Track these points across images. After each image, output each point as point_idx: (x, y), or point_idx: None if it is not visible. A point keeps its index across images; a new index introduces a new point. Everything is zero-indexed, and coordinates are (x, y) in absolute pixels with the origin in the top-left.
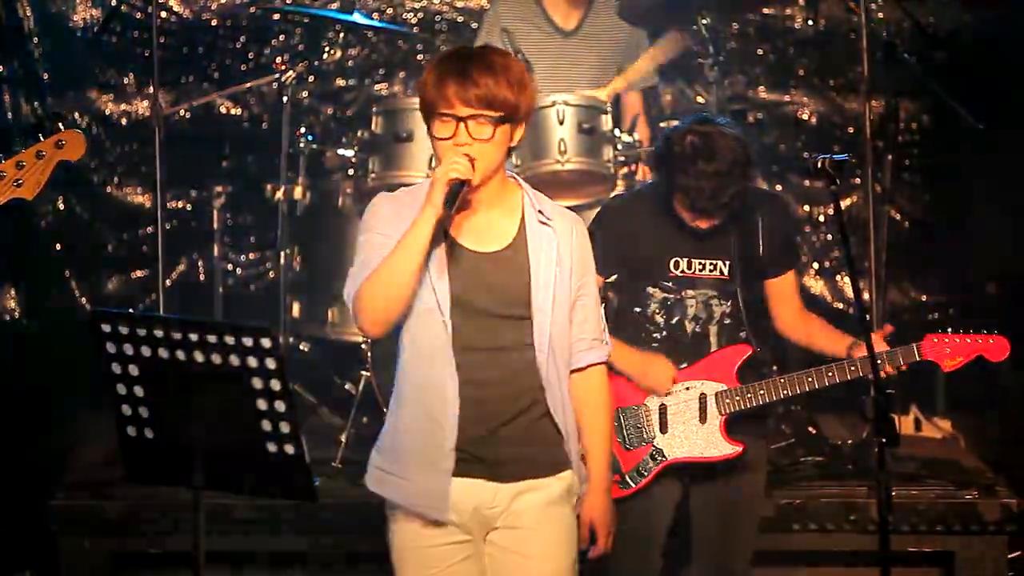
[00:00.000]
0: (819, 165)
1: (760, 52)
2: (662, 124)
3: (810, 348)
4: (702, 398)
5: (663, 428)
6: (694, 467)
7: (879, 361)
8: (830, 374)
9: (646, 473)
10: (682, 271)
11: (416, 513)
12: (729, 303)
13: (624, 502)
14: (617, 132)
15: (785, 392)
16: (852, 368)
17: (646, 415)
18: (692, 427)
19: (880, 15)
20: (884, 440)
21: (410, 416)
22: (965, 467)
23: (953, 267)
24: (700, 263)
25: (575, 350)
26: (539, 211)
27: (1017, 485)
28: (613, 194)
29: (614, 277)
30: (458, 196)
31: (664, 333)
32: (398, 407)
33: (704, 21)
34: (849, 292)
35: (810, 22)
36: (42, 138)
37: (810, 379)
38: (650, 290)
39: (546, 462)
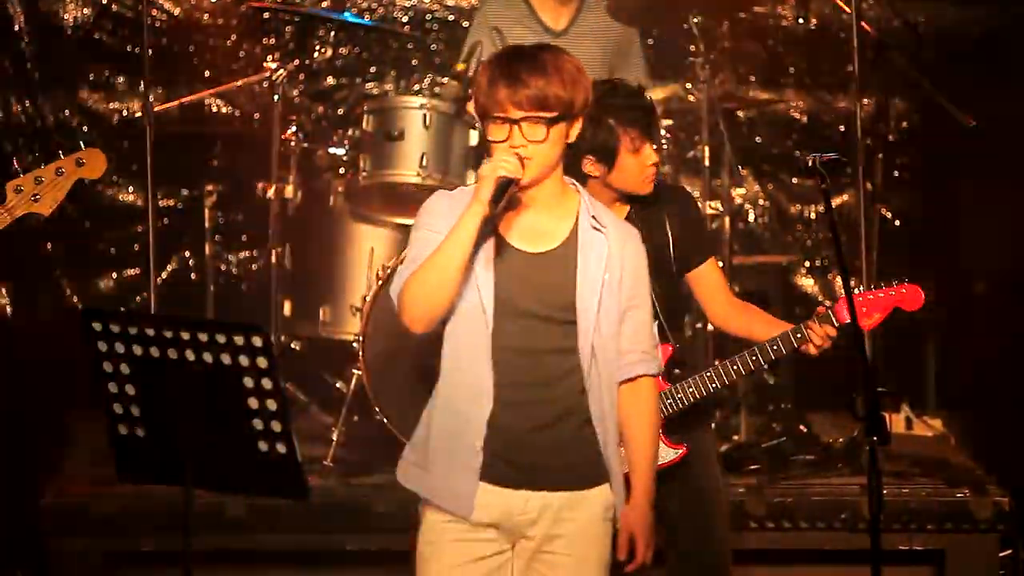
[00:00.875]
0: (810, 164)
1: (751, 51)
2: None
3: (750, 339)
4: None
5: None
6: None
7: (799, 336)
8: (754, 358)
9: None
10: None
11: (444, 509)
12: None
13: None
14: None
15: (714, 384)
16: (775, 348)
17: None
18: None
19: (871, 13)
20: (875, 438)
21: (444, 413)
22: (956, 465)
23: (943, 266)
24: None
25: (625, 361)
26: (593, 216)
27: (1008, 483)
28: None
29: None
30: (505, 194)
31: None
32: (435, 403)
33: (695, 19)
34: (840, 291)
35: (801, 20)
36: (62, 155)
37: (735, 367)
38: None
39: (582, 473)
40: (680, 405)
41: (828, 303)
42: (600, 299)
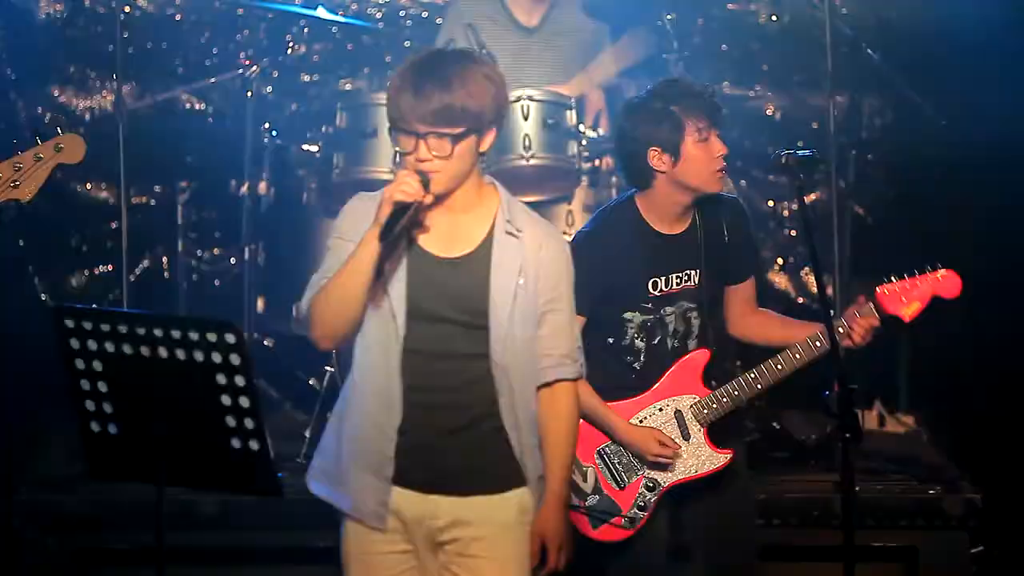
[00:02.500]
0: (784, 161)
1: (724, 47)
2: None
3: (769, 344)
4: (678, 414)
5: None
6: (685, 485)
7: (841, 331)
8: (797, 356)
9: (647, 506)
10: (660, 290)
11: (358, 519)
12: (702, 312)
13: (638, 536)
14: (581, 128)
15: (759, 385)
16: (817, 344)
17: (628, 451)
18: (678, 447)
19: (844, 10)
20: (848, 436)
21: (355, 420)
22: (928, 462)
23: (917, 263)
24: (676, 277)
25: (542, 365)
26: (508, 220)
27: (979, 480)
28: (585, 224)
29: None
30: (404, 217)
31: (643, 359)
32: (345, 410)
33: (668, 17)
34: (813, 287)
35: (774, 18)
36: (40, 141)
37: (779, 366)
38: (627, 315)
39: (494, 476)
40: (725, 409)
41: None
42: (513, 305)
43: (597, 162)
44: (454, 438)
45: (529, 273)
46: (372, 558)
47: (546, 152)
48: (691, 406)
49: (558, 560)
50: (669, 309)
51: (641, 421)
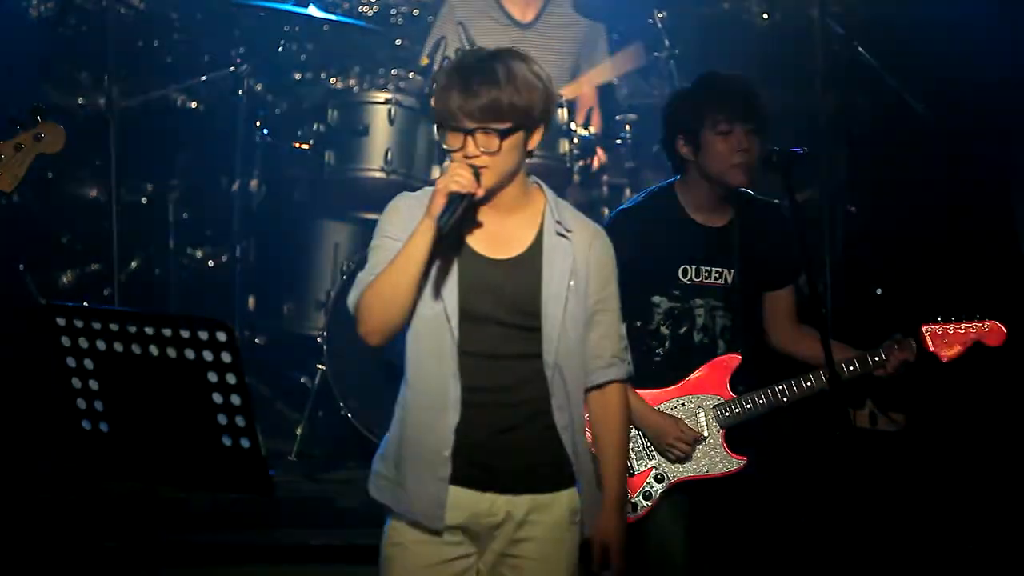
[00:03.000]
0: (774, 159)
1: (715, 45)
2: (618, 117)
3: (806, 361)
4: (700, 413)
5: None
6: (699, 484)
7: (877, 359)
8: (828, 376)
9: (652, 496)
10: (691, 279)
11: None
12: (732, 314)
13: (636, 526)
14: (572, 126)
15: (785, 398)
16: (850, 368)
17: (644, 437)
18: (696, 438)
19: (836, 9)
20: (839, 434)
21: (412, 423)
22: (915, 460)
23: (908, 262)
24: (707, 270)
25: (593, 367)
26: (558, 221)
27: (971, 478)
28: (625, 202)
29: None
30: (458, 209)
31: (668, 346)
32: (402, 413)
33: (660, 15)
34: (804, 286)
35: (765, 16)
36: (20, 131)
37: (808, 383)
38: (656, 299)
39: (548, 476)
40: (746, 415)
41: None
42: (565, 306)
43: (588, 160)
44: (507, 437)
45: (580, 274)
46: (421, 548)
47: (537, 151)
48: (714, 407)
49: (620, 565)
50: (699, 301)
51: (663, 411)
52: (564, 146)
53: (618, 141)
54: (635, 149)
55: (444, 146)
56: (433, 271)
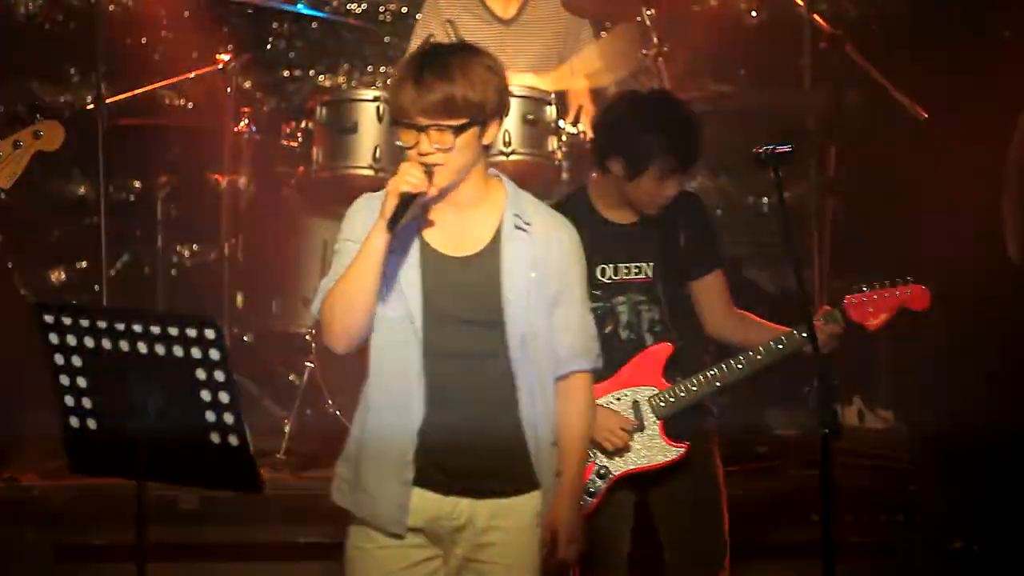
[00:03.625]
0: (763, 156)
1: (704, 43)
2: None
3: (746, 346)
4: (635, 405)
5: None
6: (644, 475)
7: (803, 336)
8: (759, 356)
9: (596, 492)
10: (609, 277)
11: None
12: (657, 307)
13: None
14: (561, 123)
15: (718, 383)
16: (780, 347)
17: None
18: (632, 436)
19: (824, 6)
20: (827, 431)
21: (374, 424)
22: (907, 458)
23: (896, 259)
24: (626, 267)
25: (557, 357)
26: (516, 214)
27: (957, 476)
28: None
29: None
30: (409, 208)
31: None
32: (364, 415)
33: (649, 12)
34: (792, 283)
35: (754, 13)
36: (19, 128)
37: (739, 365)
38: None
39: (511, 478)
40: (681, 405)
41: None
42: (527, 301)
43: (578, 158)
44: (472, 439)
45: (540, 266)
46: (385, 553)
47: (525, 148)
48: (649, 398)
49: (568, 551)
50: (620, 299)
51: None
52: (552, 143)
53: None
54: None
55: (397, 143)
56: (394, 272)
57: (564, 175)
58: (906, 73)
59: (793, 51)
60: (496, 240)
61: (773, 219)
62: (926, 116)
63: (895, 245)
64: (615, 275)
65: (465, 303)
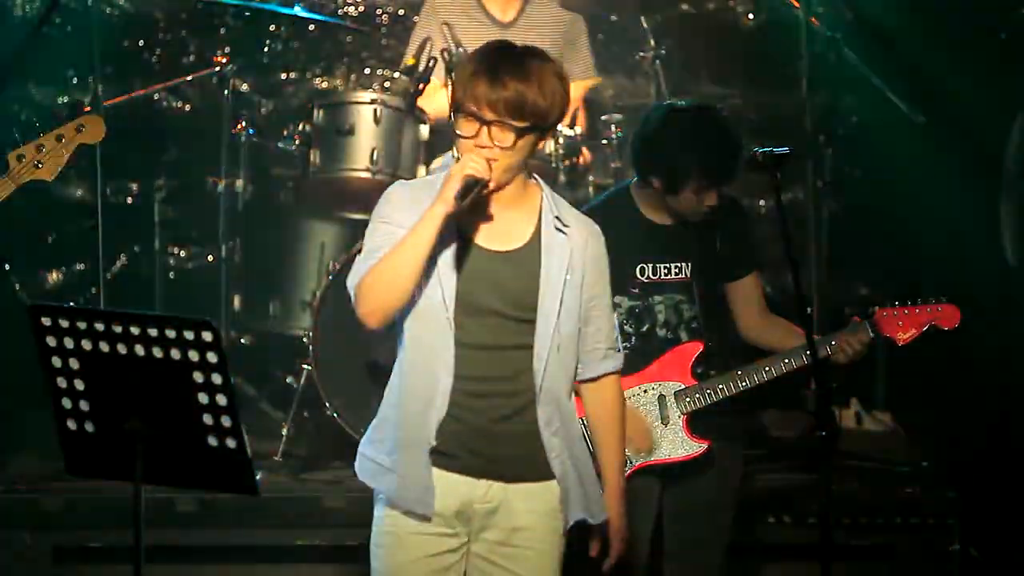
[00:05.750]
0: (760, 158)
1: (701, 46)
2: (604, 117)
3: (774, 351)
4: (661, 399)
5: None
6: (664, 467)
7: (834, 344)
8: (787, 361)
9: None
10: (648, 277)
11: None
12: (693, 306)
13: None
14: (558, 125)
15: (744, 384)
16: (808, 354)
17: None
18: (656, 429)
19: (820, 9)
20: (825, 434)
21: (405, 409)
22: (906, 460)
23: (893, 261)
24: (665, 267)
25: (589, 360)
26: (556, 216)
27: (957, 478)
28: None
29: None
30: (471, 194)
31: (633, 343)
32: (394, 398)
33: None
34: (789, 285)
35: (751, 16)
36: (62, 122)
37: (767, 369)
38: (617, 299)
39: (534, 464)
40: (707, 401)
41: (867, 311)
42: (561, 299)
43: (574, 160)
44: (501, 425)
45: (576, 268)
46: (415, 539)
47: None
48: (675, 392)
49: (620, 549)
50: (658, 298)
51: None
52: (549, 146)
53: (603, 141)
54: (620, 149)
55: (455, 130)
56: (433, 261)
57: (561, 178)
58: (904, 75)
59: (790, 54)
60: (535, 239)
61: (770, 222)
62: (924, 119)
63: (892, 247)
64: (654, 274)
65: (501, 296)
